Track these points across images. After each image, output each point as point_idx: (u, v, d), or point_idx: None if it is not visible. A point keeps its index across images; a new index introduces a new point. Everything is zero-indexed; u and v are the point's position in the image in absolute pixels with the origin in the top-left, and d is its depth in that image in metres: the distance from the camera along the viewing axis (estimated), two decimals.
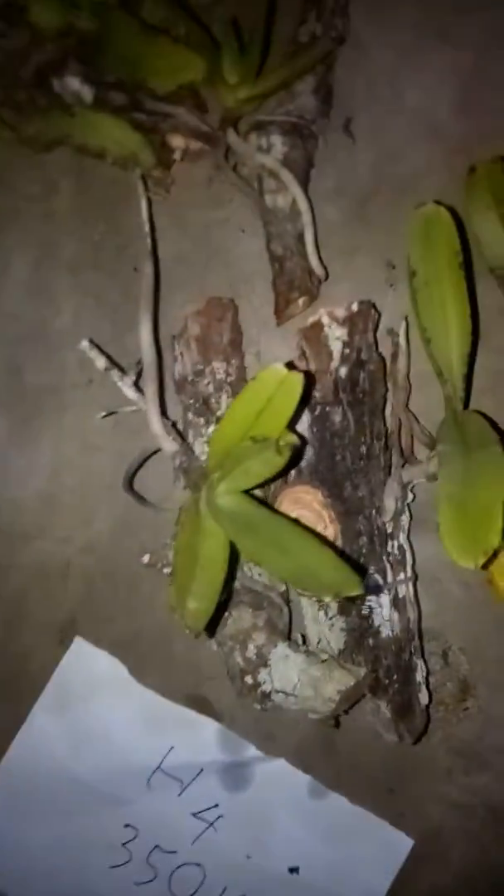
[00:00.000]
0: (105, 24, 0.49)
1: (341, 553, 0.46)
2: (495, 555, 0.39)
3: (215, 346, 0.52)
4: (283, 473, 0.45)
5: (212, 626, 0.45)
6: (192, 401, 0.52)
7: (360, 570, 0.47)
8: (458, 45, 0.56)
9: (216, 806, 0.56)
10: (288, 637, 0.50)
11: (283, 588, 0.51)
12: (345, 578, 0.35)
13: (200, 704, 0.56)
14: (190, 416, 0.52)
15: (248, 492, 0.39)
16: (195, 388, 0.51)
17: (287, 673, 0.45)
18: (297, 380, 0.38)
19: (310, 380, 0.48)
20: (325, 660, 0.45)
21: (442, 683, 0.56)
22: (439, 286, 0.44)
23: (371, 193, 0.57)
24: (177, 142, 0.53)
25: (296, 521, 0.42)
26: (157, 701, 0.56)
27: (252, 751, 0.56)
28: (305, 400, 0.48)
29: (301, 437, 0.48)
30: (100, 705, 0.57)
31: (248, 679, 0.46)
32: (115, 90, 0.50)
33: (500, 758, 0.55)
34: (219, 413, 0.50)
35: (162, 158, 0.53)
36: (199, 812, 0.56)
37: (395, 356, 0.51)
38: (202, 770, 0.56)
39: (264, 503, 0.43)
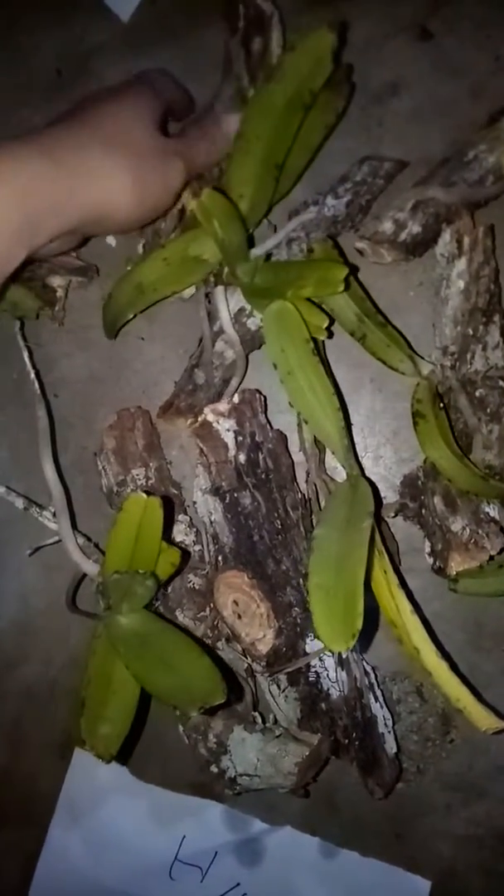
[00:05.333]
0: None
1: (279, 630, 0.48)
2: None
3: (132, 454, 0.56)
4: (174, 575, 0.48)
5: None
6: None
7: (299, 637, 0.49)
8: None
9: (238, 885, 0.57)
10: (255, 711, 0.52)
11: (245, 665, 0.54)
12: (212, 688, 0.38)
13: (202, 789, 0.58)
14: None
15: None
16: (121, 499, 0.55)
17: (246, 756, 0.47)
18: (157, 503, 0.42)
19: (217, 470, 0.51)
20: (279, 735, 0.47)
21: (424, 720, 0.57)
22: (303, 373, 0.47)
23: None
24: (57, 281, 0.57)
25: (186, 633, 0.44)
26: (162, 794, 0.59)
27: (258, 825, 0.57)
28: (217, 490, 0.51)
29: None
30: (110, 810, 0.59)
31: (214, 768, 0.48)
32: None
33: (494, 783, 0.55)
34: None
35: (46, 298, 0.57)
36: (224, 894, 0.57)
37: (299, 426, 0.54)
38: (217, 853, 0.58)
39: (163, 618, 0.45)
